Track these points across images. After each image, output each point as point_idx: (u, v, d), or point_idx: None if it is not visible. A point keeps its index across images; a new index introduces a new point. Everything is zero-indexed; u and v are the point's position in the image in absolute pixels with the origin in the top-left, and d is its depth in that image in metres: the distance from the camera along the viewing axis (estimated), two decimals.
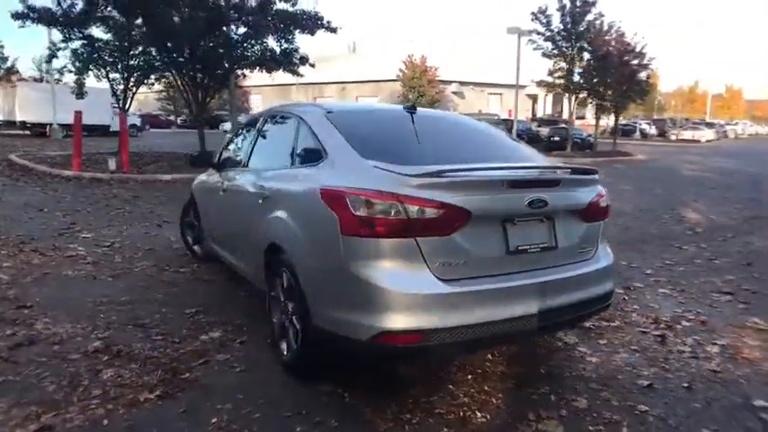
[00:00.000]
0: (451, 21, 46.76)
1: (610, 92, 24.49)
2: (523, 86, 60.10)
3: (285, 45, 14.17)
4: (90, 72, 14.31)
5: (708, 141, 40.68)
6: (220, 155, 5.00)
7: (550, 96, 61.27)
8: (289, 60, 14.55)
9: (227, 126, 37.39)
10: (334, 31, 14.24)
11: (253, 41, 13.85)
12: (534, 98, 61.71)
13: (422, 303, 2.60)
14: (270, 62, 14.15)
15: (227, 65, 14.26)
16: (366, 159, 2.88)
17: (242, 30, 13.93)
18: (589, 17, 22.78)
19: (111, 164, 12.72)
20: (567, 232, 3.05)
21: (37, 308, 4.13)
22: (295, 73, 15.14)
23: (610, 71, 23.11)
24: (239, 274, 4.35)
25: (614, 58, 22.96)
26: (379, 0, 46.28)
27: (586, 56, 23.72)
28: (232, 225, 4.26)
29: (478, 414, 2.94)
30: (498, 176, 2.85)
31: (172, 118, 48.11)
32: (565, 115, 56.55)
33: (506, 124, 26.97)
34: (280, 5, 13.55)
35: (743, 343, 3.99)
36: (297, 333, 3.11)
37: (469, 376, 3.33)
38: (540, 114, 57.20)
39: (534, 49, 24.14)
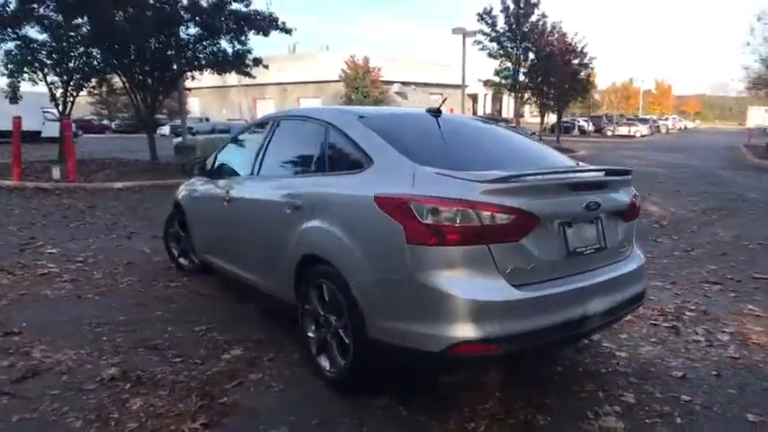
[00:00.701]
0: (393, 21, 47.04)
1: (553, 90, 25.39)
2: (466, 86, 61.77)
3: (238, 46, 13.69)
4: (25, 75, 13.27)
5: (642, 136, 42.88)
6: (214, 162, 4.73)
7: (489, 95, 63.05)
8: (241, 62, 14.09)
9: (166, 130, 36.01)
10: (288, 32, 13.93)
11: (206, 42, 13.29)
12: (474, 97, 63.15)
13: (497, 311, 2.53)
14: (223, 64, 13.63)
15: (175, 67, 13.64)
16: (421, 165, 2.76)
17: (194, 30, 13.34)
18: (533, 18, 23.48)
19: (55, 172, 11.87)
20: (612, 232, 3.07)
21: (27, 334, 3.74)
22: (248, 75, 14.68)
23: (553, 70, 23.94)
24: (250, 287, 4.09)
25: (557, 58, 23.81)
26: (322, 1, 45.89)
27: (531, 56, 24.43)
28: (243, 237, 4.00)
29: (539, 417, 2.90)
30: (560, 180, 2.84)
31: (106, 122, 45.60)
32: (504, 114, 58.23)
33: None
34: (234, 6, 13.07)
35: (748, 330, 4.17)
36: (346, 347, 2.96)
37: (515, 379, 3.29)
38: (480, 113, 58.58)
39: (480, 49, 24.67)
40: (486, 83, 26.28)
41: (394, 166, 2.86)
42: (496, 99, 63.75)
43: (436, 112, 3.42)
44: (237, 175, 4.33)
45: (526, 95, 27.23)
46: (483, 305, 2.51)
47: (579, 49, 25.56)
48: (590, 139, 38.20)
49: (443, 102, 3.66)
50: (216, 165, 4.70)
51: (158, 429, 2.63)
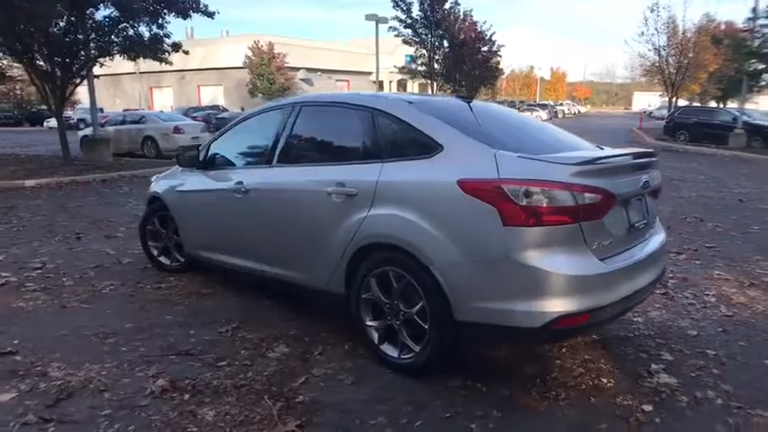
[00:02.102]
0: (300, 5, 45.98)
1: (465, 78, 26.24)
2: (369, 73, 61.99)
3: (156, 30, 12.67)
4: None
5: (543, 121, 45.42)
6: (207, 153, 4.39)
7: (395, 83, 63.87)
8: (158, 47, 13.10)
9: (53, 123, 32.49)
10: (211, 15, 13.10)
11: (123, 26, 12.14)
12: (380, 84, 63.72)
13: (590, 284, 2.66)
14: (139, 49, 12.57)
15: (84, 52, 12.37)
16: (499, 150, 2.78)
17: (107, 11, 12.12)
18: (446, 5, 24.04)
19: None
20: (650, 209, 3.30)
21: (27, 352, 3.28)
22: (164, 61, 13.68)
23: (466, 58, 24.74)
24: (262, 283, 3.89)
25: (469, 46, 24.64)
26: None
27: (445, 43, 25.04)
28: (267, 230, 3.74)
29: (603, 380, 3.08)
30: (627, 162, 2.99)
31: None
32: None
33: None
34: None
35: (726, 291, 4.65)
36: (421, 332, 2.93)
37: (563, 350, 3.42)
38: None
39: (395, 35, 24.86)
40: (402, 69, 26.56)
41: (469, 151, 2.85)
42: (401, 86, 64.76)
43: (467, 99, 3.48)
44: (244, 165, 4.06)
45: (438, 83, 27.86)
46: (580, 280, 2.62)
47: (488, 37, 26.60)
48: None
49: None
50: (211, 156, 4.37)
51: None
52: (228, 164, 4.28)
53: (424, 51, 25.38)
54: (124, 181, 11.33)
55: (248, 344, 3.44)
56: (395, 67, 28.14)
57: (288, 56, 41.79)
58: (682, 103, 32.07)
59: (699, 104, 32.17)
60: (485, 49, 27.31)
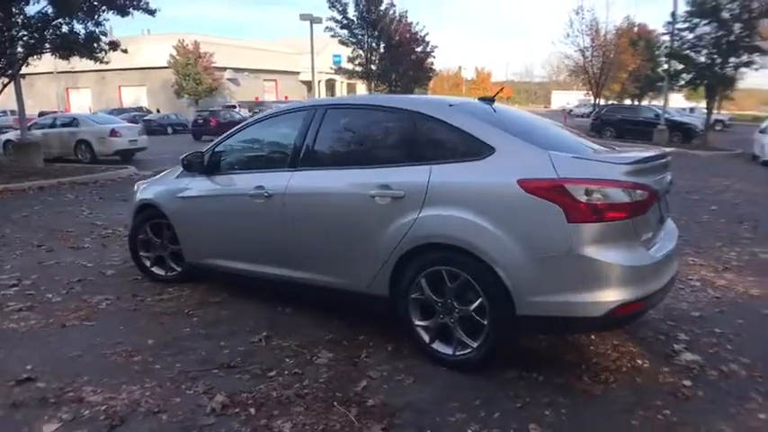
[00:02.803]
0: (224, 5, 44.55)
1: (401, 78, 26.51)
2: (297, 73, 61.18)
3: (92, 27, 11.86)
4: None
5: None
6: (212, 157, 4.19)
7: (323, 82, 63.38)
8: (95, 45, 12.29)
9: None
10: (152, 13, 12.46)
11: (57, 22, 11.24)
12: (309, 84, 62.99)
13: (643, 273, 2.84)
14: (75, 47, 11.71)
15: (11, 50, 11.38)
16: (549, 150, 2.90)
17: (40, 6, 11.17)
18: (382, 6, 24.18)
19: None
20: (668, 204, 3.55)
21: (50, 378, 3.00)
22: (100, 60, 12.85)
23: (401, 59, 25.03)
24: (300, 287, 3.78)
25: (405, 47, 24.94)
26: None
27: (382, 44, 25.17)
28: (298, 235, 3.62)
29: (639, 362, 3.29)
30: (660, 162, 3.17)
31: None
32: None
33: None
34: None
35: (706, 276, 5.04)
36: (478, 329, 2.99)
37: (592, 337, 3.58)
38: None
39: (332, 36, 24.72)
40: (338, 70, 26.44)
41: (522, 152, 2.95)
42: (329, 86, 64.41)
43: (490, 100, 3.56)
44: (262, 169, 3.93)
45: (374, 83, 27.97)
46: (635, 270, 2.80)
47: (422, 38, 27.03)
48: None
49: (500, 90, 3.78)
50: (218, 160, 4.18)
51: None
52: (241, 168, 4.12)
53: (360, 52, 25.40)
54: (65, 188, 10.53)
55: (288, 352, 3.33)
56: (331, 68, 27.95)
57: (215, 55, 40.42)
58: (600, 101, 34.14)
59: (616, 102, 34.39)
60: (419, 49, 27.75)
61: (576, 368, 3.18)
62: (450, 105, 3.30)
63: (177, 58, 39.18)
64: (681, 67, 19.56)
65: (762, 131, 15.30)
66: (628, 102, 36.21)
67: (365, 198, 3.27)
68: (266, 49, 54.86)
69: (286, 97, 49.78)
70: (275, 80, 56.41)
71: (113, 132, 14.51)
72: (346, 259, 3.43)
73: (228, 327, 3.72)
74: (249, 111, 29.82)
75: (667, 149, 3.66)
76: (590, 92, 30.62)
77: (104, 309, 4.11)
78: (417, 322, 3.21)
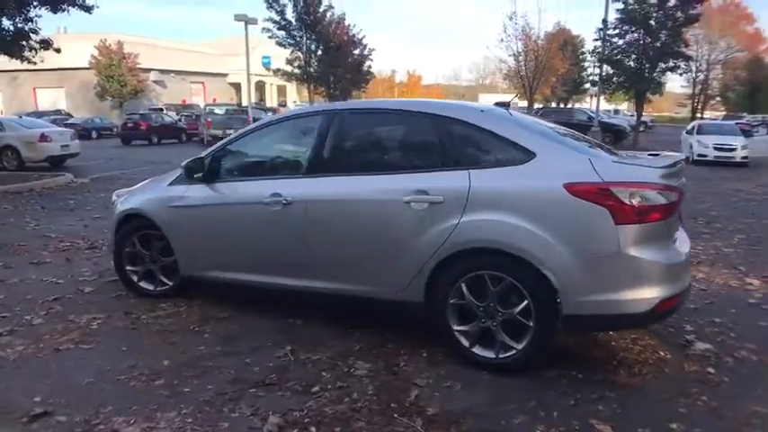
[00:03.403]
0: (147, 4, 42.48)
1: (340, 81, 26.40)
2: (225, 75, 59.42)
3: (21, 24, 10.92)
4: None
5: None
6: (211, 165, 3.95)
7: (253, 85, 61.92)
8: (24, 44, 11.34)
9: None
10: (88, 9, 11.64)
11: None
12: (237, 86, 61.33)
13: (678, 270, 3.00)
14: (2, 45, 10.75)
15: None
16: (583, 154, 3.00)
17: None
18: (321, 8, 23.96)
19: None
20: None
21: (70, 410, 2.71)
22: (28, 60, 11.90)
23: (341, 61, 24.95)
24: (320, 296, 3.65)
25: (344, 49, 24.87)
26: None
27: (321, 46, 24.94)
28: (319, 244, 3.49)
29: (661, 353, 3.45)
30: (681, 165, 3.31)
31: None
32: (268, 103, 57.67)
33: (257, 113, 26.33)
34: None
35: (701, 272, 5.27)
36: (521, 331, 3.02)
37: (610, 334, 3.69)
38: (244, 103, 57.16)
39: (269, 37, 24.23)
40: (277, 72, 25.93)
41: (563, 157, 3.04)
42: (258, 88, 63.08)
43: (506, 106, 3.61)
44: (276, 176, 3.77)
45: (313, 85, 27.69)
46: (673, 267, 2.95)
47: (359, 40, 27.06)
48: None
49: (515, 96, 3.84)
50: (218, 167, 3.95)
51: None
52: (249, 175, 3.92)
53: (299, 54, 25.03)
54: None
55: (322, 365, 3.20)
56: (268, 69, 27.34)
57: (140, 56, 38.51)
58: (523, 104, 35.45)
59: (542, 106, 36.01)
60: (356, 52, 27.76)
61: (607, 363, 3.28)
62: (482, 111, 3.31)
63: (99, 58, 36.99)
64: (612, 71, 20.77)
65: (688, 132, 16.55)
66: (553, 105, 38.03)
67: (399, 204, 3.20)
68: (193, 50, 52.99)
69: (214, 99, 48.15)
70: (203, 82, 54.55)
71: (43, 137, 13.42)
72: (377, 266, 3.34)
73: (246, 342, 3.53)
74: (177, 114, 28.62)
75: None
76: (519, 95, 31.91)
77: (97, 329, 3.78)
78: (456, 327, 3.18)
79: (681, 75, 19.19)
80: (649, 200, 2.86)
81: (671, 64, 19.23)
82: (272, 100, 62.93)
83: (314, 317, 3.87)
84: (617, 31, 20.04)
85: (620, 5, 19.42)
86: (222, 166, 3.98)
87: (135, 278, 4.42)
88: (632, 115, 27.28)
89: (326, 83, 27.13)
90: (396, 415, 2.66)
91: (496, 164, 3.11)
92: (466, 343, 3.16)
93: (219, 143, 4.10)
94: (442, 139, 3.26)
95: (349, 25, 25.90)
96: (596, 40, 21.73)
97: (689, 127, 17.39)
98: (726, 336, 3.73)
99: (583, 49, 39.40)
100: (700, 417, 2.73)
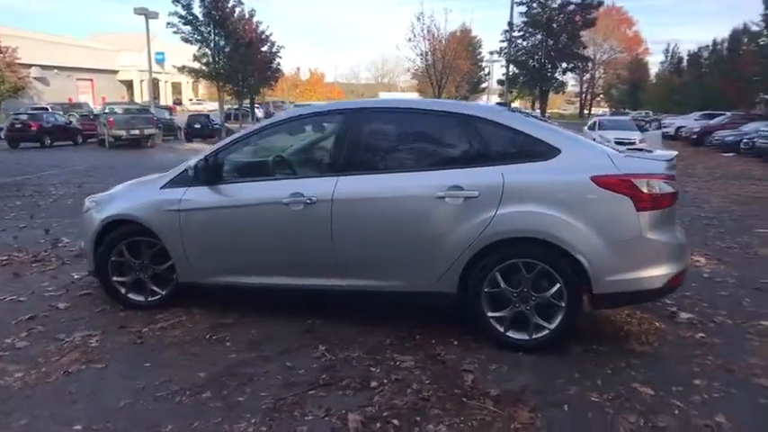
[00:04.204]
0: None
1: (250, 78, 25.65)
2: (115, 72, 55.41)
3: None
4: None
5: None
6: (215, 166, 3.76)
7: (146, 82, 58.15)
8: None
9: None
10: None
11: None
12: (129, 84, 57.45)
13: (683, 250, 3.41)
14: None
15: None
16: (599, 150, 3.35)
17: None
18: (229, 3, 23.09)
19: None
20: None
21: None
22: None
23: (252, 58, 24.28)
24: (345, 294, 3.66)
25: (254, 46, 24.23)
26: None
27: (230, 42, 24.04)
28: (350, 243, 3.48)
29: (657, 324, 3.85)
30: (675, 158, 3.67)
31: None
32: (162, 102, 54.52)
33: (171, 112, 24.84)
34: None
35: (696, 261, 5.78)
36: (553, 312, 3.26)
37: (608, 311, 4.04)
38: (137, 100, 53.65)
39: (174, 32, 23.01)
40: (182, 69, 24.62)
41: (584, 152, 3.35)
42: (153, 86, 59.63)
43: (507, 104, 3.89)
44: (294, 175, 3.74)
45: (221, 83, 26.65)
46: (681, 247, 3.37)
47: (266, 37, 26.46)
48: None
49: (515, 98, 4.10)
50: (221, 168, 3.79)
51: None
52: (260, 175, 3.82)
53: (207, 50, 23.97)
54: None
55: (366, 361, 3.22)
56: (173, 66, 25.87)
57: (18, 50, 34.80)
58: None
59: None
60: (264, 49, 27.13)
61: (618, 336, 3.63)
62: (502, 111, 3.52)
63: None
64: (518, 71, 22.14)
65: (590, 128, 18.04)
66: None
67: (432, 200, 3.31)
68: (79, 45, 48.88)
69: (104, 98, 44.81)
70: (91, 79, 50.55)
71: None
72: (409, 261, 3.41)
73: (273, 346, 3.44)
74: (64, 113, 26.23)
75: None
76: (421, 94, 32.92)
77: (100, 347, 3.49)
78: (491, 314, 3.34)
79: (579, 75, 20.91)
80: (661, 189, 3.20)
81: (571, 65, 20.88)
82: (166, 98, 59.67)
83: (330, 316, 3.85)
84: (521, 33, 21.38)
85: (524, 9, 20.74)
86: (226, 167, 3.82)
87: (123, 289, 4.11)
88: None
89: (235, 80, 26.23)
90: (464, 399, 2.77)
91: (525, 159, 3.32)
92: (500, 328, 3.34)
93: (223, 143, 3.93)
94: (471, 137, 3.41)
95: (257, 22, 25.25)
96: (503, 41, 23.05)
97: (590, 123, 19.04)
98: (700, 306, 4.22)
99: (480, 50, 41.65)
100: (713, 373, 3.12)
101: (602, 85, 52.83)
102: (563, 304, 3.22)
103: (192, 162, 3.76)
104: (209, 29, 23.42)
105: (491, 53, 27.98)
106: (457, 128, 3.45)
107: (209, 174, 3.73)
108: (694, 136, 21.62)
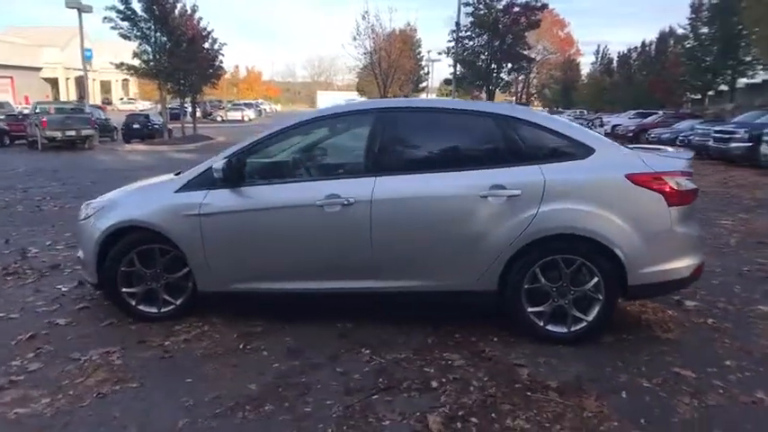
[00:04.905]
0: None
1: (192, 76, 24.62)
2: (38, 69, 51.85)
3: None
4: None
5: (250, 120, 45.72)
6: (239, 168, 3.62)
7: (72, 80, 54.73)
8: None
9: None
10: None
11: None
12: (54, 82, 53.88)
13: (702, 242, 3.65)
14: None
15: None
16: (629, 149, 3.56)
17: None
18: None
19: None
20: None
21: None
22: None
23: (194, 56, 23.38)
24: (382, 295, 3.62)
25: (197, 43, 23.34)
26: None
27: (172, 39, 22.97)
28: (391, 244, 3.46)
29: (669, 312, 4.06)
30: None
31: None
32: (91, 101, 51.59)
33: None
34: None
35: None
36: (589, 305, 3.39)
37: (620, 302, 4.22)
38: (63, 98, 50.42)
39: (112, 28, 21.74)
40: (120, 66, 23.30)
41: (615, 151, 3.52)
42: (79, 83, 56.23)
43: (527, 104, 4.02)
44: (327, 176, 3.70)
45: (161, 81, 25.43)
46: (701, 239, 3.62)
47: (208, 33, 25.54)
48: (213, 125, 38.74)
49: (529, 98, 4.20)
50: (243, 170, 3.66)
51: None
52: (289, 176, 3.73)
53: (147, 47, 22.80)
54: None
55: (418, 363, 3.21)
56: (111, 63, 24.41)
57: None
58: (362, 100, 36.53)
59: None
60: (206, 45, 26.18)
61: (640, 325, 3.82)
62: (536, 112, 3.61)
63: None
64: (465, 70, 22.60)
65: None
66: None
67: (475, 199, 3.35)
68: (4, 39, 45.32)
69: (26, 98, 41.82)
70: (10, 77, 46.96)
71: None
72: (451, 260, 3.43)
73: (316, 352, 3.35)
74: None
75: None
76: (360, 93, 32.98)
77: (124, 364, 3.26)
78: (531, 309, 3.42)
79: (525, 75, 21.67)
80: (687, 185, 3.40)
81: (516, 66, 21.59)
82: (94, 97, 56.44)
83: (360, 318, 3.80)
84: (468, 33, 21.85)
85: (471, 9, 21.20)
86: (251, 168, 3.68)
87: (133, 301, 3.87)
88: None
89: (176, 79, 25.12)
90: (528, 393, 2.83)
91: (562, 158, 3.43)
92: (540, 322, 3.42)
93: (246, 143, 3.76)
94: (509, 137, 3.48)
95: (199, 18, 24.28)
96: (450, 41, 23.45)
97: None
98: (699, 294, 4.47)
99: (420, 49, 42.18)
100: (735, 354, 3.36)
101: (536, 85, 55.08)
102: (600, 297, 3.35)
103: (218, 164, 3.57)
104: (149, 24, 22.31)
105: (439, 53, 28.44)
106: (495, 128, 3.51)
107: (234, 175, 3.58)
108: (630, 134, 22.90)
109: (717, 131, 14.80)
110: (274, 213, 3.57)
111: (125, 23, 21.96)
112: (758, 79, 28.21)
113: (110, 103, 56.69)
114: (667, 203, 3.30)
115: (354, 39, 29.43)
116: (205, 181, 3.70)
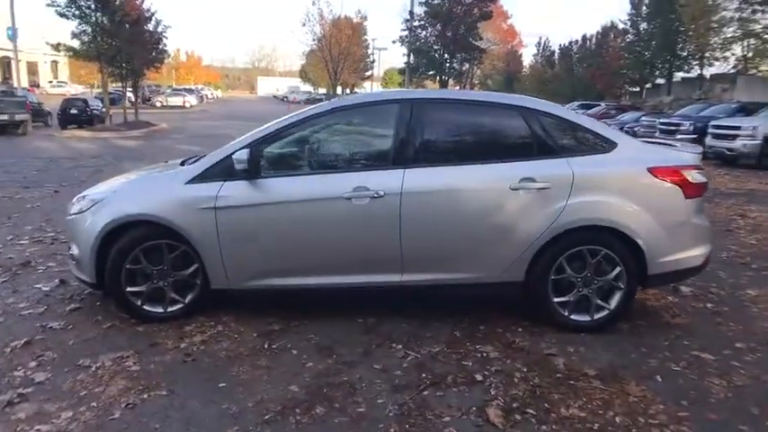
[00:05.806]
0: None
1: (132, 59, 23.36)
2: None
3: None
4: None
5: (192, 106, 43.80)
6: (255, 158, 3.48)
7: None
8: None
9: None
10: None
11: None
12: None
13: (711, 231, 3.78)
14: None
15: None
16: (648, 144, 3.72)
17: None
18: None
19: None
20: None
21: None
22: None
23: (138, 38, 22.20)
24: (406, 289, 3.58)
25: (140, 25, 22.16)
26: None
27: (114, 19, 21.63)
28: (419, 237, 3.42)
29: (669, 298, 4.26)
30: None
31: None
32: (16, 84, 48.02)
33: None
34: None
35: None
36: (610, 294, 3.50)
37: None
38: None
39: (48, 5, 20.24)
40: (58, 47, 21.72)
41: (636, 145, 3.66)
42: (4, 65, 52.07)
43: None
44: (353, 168, 3.62)
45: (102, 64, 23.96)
46: (710, 229, 3.75)
47: (151, 14, 24.33)
48: (153, 111, 36.85)
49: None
50: (270, 161, 3.55)
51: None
52: (313, 167, 3.63)
53: (86, 28, 21.35)
54: None
55: (453, 356, 3.20)
56: (47, 43, 22.65)
57: None
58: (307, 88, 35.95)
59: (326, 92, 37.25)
60: (149, 27, 24.92)
61: (649, 312, 3.98)
62: (560, 106, 3.72)
63: None
64: (419, 60, 22.64)
65: None
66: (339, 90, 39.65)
67: (505, 191, 3.37)
68: None
69: None
70: None
71: None
72: (480, 253, 3.44)
73: (348, 349, 3.27)
74: None
75: None
76: (304, 80, 32.47)
77: (144, 370, 3.04)
78: (556, 299, 3.49)
79: (477, 66, 21.97)
80: (701, 178, 3.56)
81: (468, 56, 21.83)
82: (19, 80, 52.43)
83: (381, 313, 3.74)
84: (421, 23, 21.86)
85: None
86: (270, 159, 3.54)
87: (138, 301, 3.64)
88: None
89: (117, 62, 23.75)
90: (571, 381, 2.89)
91: (588, 152, 3.51)
92: (565, 312, 3.50)
93: (264, 132, 3.58)
94: (536, 130, 3.51)
95: None
96: (404, 30, 23.37)
97: None
98: (691, 281, 4.68)
99: (366, 37, 41.86)
100: (740, 336, 3.57)
101: (479, 75, 55.99)
102: (622, 286, 3.46)
103: (240, 154, 3.38)
104: (89, 3, 20.89)
105: (393, 42, 28.32)
106: (522, 121, 3.53)
107: (255, 166, 3.42)
108: None
109: (662, 123, 15.60)
110: (298, 206, 3.44)
111: (62, 1, 20.50)
112: (693, 74, 30.03)
113: (38, 86, 52.89)
114: (684, 195, 3.44)
115: (303, 24, 28.84)
116: (220, 172, 3.51)
